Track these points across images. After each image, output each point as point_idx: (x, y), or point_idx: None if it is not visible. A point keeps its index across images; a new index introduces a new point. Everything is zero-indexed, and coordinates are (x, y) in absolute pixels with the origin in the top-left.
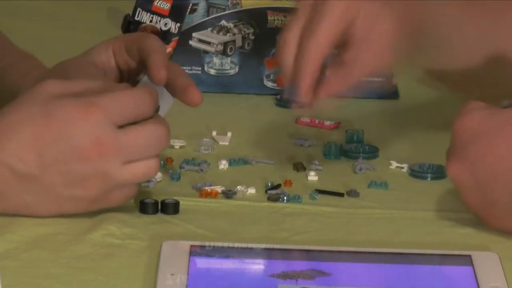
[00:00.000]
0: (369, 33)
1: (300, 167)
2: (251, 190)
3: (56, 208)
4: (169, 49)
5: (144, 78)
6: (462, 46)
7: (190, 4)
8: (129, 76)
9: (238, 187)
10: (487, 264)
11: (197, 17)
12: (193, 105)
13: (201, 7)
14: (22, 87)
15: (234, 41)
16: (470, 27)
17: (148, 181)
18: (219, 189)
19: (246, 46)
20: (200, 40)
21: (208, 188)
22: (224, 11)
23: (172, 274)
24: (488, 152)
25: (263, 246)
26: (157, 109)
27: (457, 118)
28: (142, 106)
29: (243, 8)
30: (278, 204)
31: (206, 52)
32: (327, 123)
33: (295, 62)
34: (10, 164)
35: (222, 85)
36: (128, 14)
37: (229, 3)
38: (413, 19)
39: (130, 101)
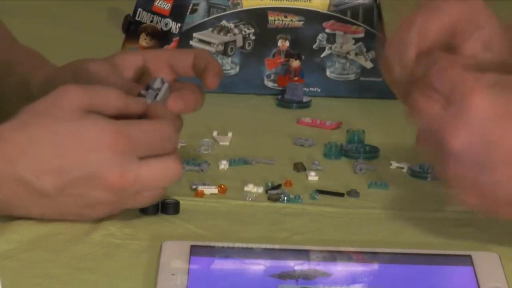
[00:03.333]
0: (477, 21)
1: (300, 167)
2: (259, 190)
3: (59, 218)
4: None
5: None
6: None
7: (191, 4)
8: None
9: (246, 187)
10: (487, 264)
11: (198, 17)
12: (206, 87)
13: (202, 7)
14: (33, 83)
15: (234, 41)
16: None
17: None
18: (210, 190)
19: (246, 46)
20: (201, 40)
21: (201, 188)
22: (224, 11)
23: (173, 274)
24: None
25: (263, 246)
26: (155, 96)
27: (471, 91)
28: (167, 143)
29: (243, 8)
30: (278, 204)
31: None
32: (328, 123)
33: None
34: (25, 179)
35: (222, 85)
36: (129, 14)
37: (229, 3)
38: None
39: (157, 136)
